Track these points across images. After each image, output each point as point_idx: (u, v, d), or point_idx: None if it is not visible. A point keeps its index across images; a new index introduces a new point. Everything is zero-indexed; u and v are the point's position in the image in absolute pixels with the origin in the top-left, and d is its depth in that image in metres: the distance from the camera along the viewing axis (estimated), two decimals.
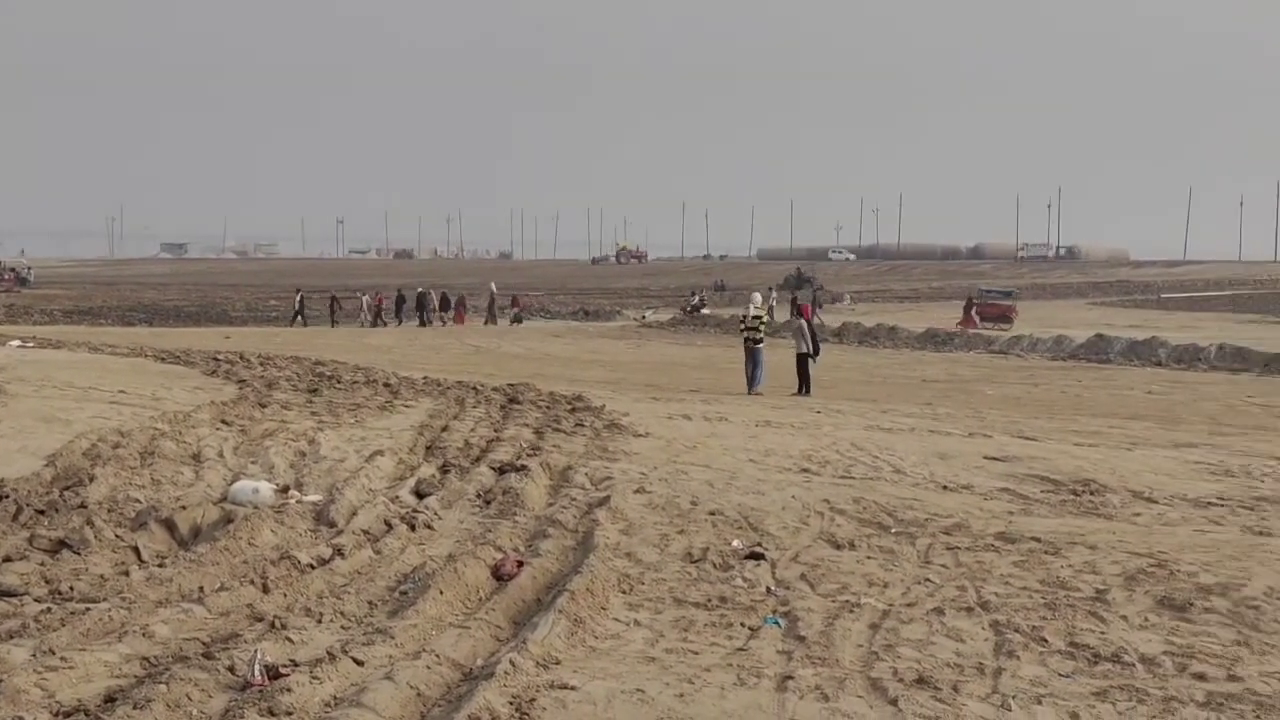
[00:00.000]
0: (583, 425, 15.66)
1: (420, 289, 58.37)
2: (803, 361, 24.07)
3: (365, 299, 57.50)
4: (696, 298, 63.57)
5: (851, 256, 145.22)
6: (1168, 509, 11.88)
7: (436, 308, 56.16)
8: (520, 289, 76.04)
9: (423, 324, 54.13)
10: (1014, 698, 6.29)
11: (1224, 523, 11.24)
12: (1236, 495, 12.72)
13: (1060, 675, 6.70)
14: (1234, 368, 34.31)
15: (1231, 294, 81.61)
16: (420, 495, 11.18)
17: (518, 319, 56.93)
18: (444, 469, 12.48)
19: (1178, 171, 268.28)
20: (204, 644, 6.83)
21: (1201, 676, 6.71)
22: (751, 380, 24.01)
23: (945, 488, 12.60)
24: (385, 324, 54.50)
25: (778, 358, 25.21)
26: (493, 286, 61.81)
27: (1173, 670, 6.81)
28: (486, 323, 55.89)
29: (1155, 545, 9.89)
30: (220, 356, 27.42)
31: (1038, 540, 9.94)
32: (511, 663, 6.38)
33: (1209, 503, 12.25)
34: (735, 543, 9.61)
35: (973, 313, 51.65)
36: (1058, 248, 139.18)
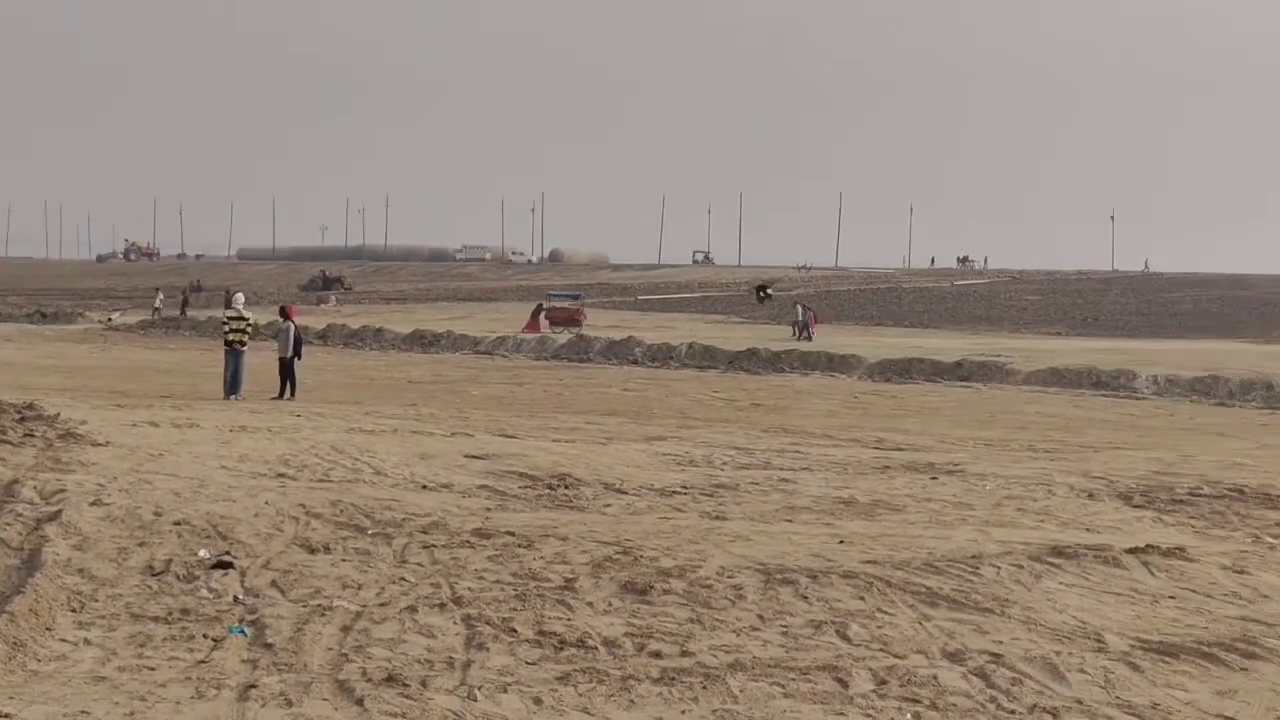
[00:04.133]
0: (33, 435, 14.47)
1: None
2: (287, 365, 23.50)
3: None
4: None
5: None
6: (636, 499, 12.44)
7: None
8: None
9: None
10: (480, 688, 6.33)
11: (685, 509, 11.90)
12: (698, 483, 13.51)
13: (527, 663, 6.82)
14: (702, 365, 36.69)
15: (701, 296, 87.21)
16: None
17: None
18: None
19: (653, 180, 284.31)
20: None
21: (658, 654, 7.02)
22: (231, 384, 23.13)
23: (425, 487, 12.61)
24: None
25: (259, 360, 24.41)
26: None
27: (632, 650, 7.09)
28: None
29: (622, 534, 10.30)
30: None
31: (513, 534, 10.11)
32: None
33: (673, 491, 12.93)
34: (202, 552, 9.16)
35: (541, 317, 51.20)
36: (541, 252, 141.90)
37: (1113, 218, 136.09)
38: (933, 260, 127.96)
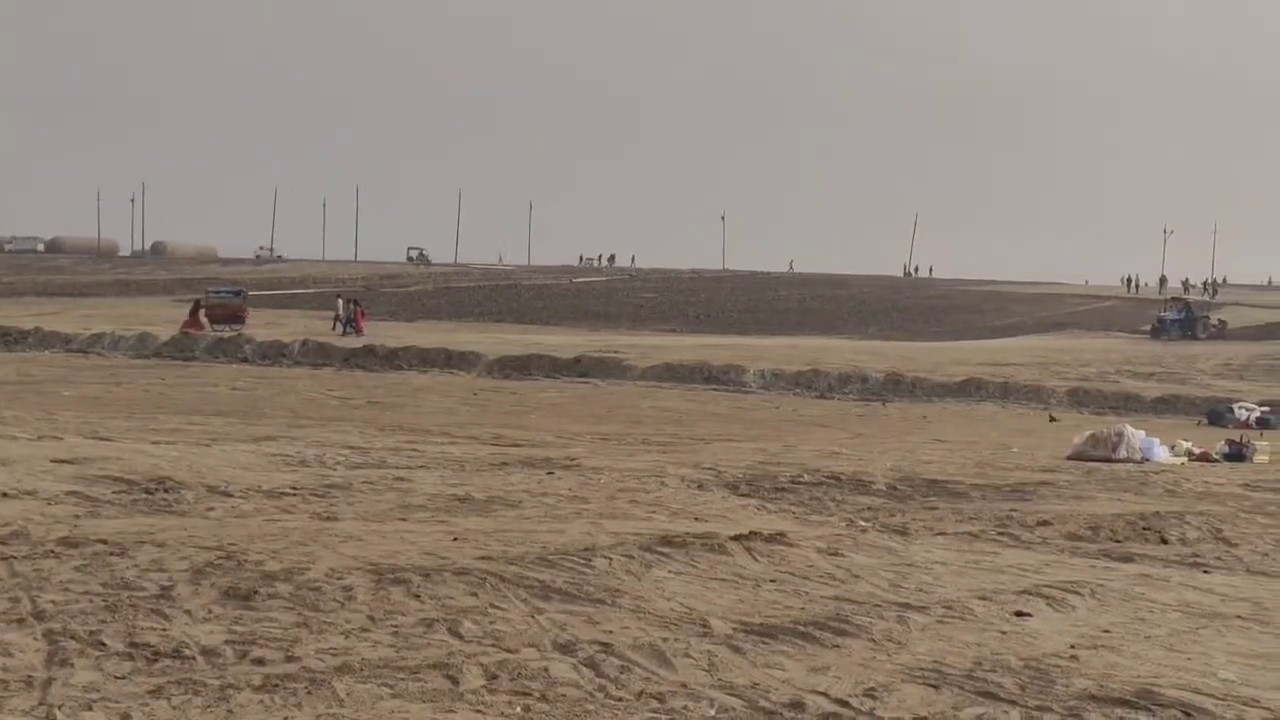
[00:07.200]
0: None
1: None
2: None
3: None
4: None
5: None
6: (242, 501, 11.94)
7: None
8: None
9: None
10: (61, 707, 5.86)
11: (295, 511, 11.50)
12: (310, 484, 13.11)
13: (116, 677, 6.36)
14: (317, 363, 35.91)
15: (315, 291, 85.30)
16: None
17: None
18: None
19: (266, 173, 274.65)
20: None
21: (261, 661, 6.70)
22: None
23: (4, 495, 11.65)
24: None
25: None
26: None
27: (233, 658, 6.73)
28: None
29: (226, 538, 9.82)
30: None
31: (104, 542, 9.45)
32: None
33: (282, 493, 12.49)
34: None
35: (201, 315, 48.19)
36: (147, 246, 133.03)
37: (723, 218, 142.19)
38: (581, 258, 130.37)
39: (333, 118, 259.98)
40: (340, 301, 51.40)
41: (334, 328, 48.08)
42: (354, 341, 41.47)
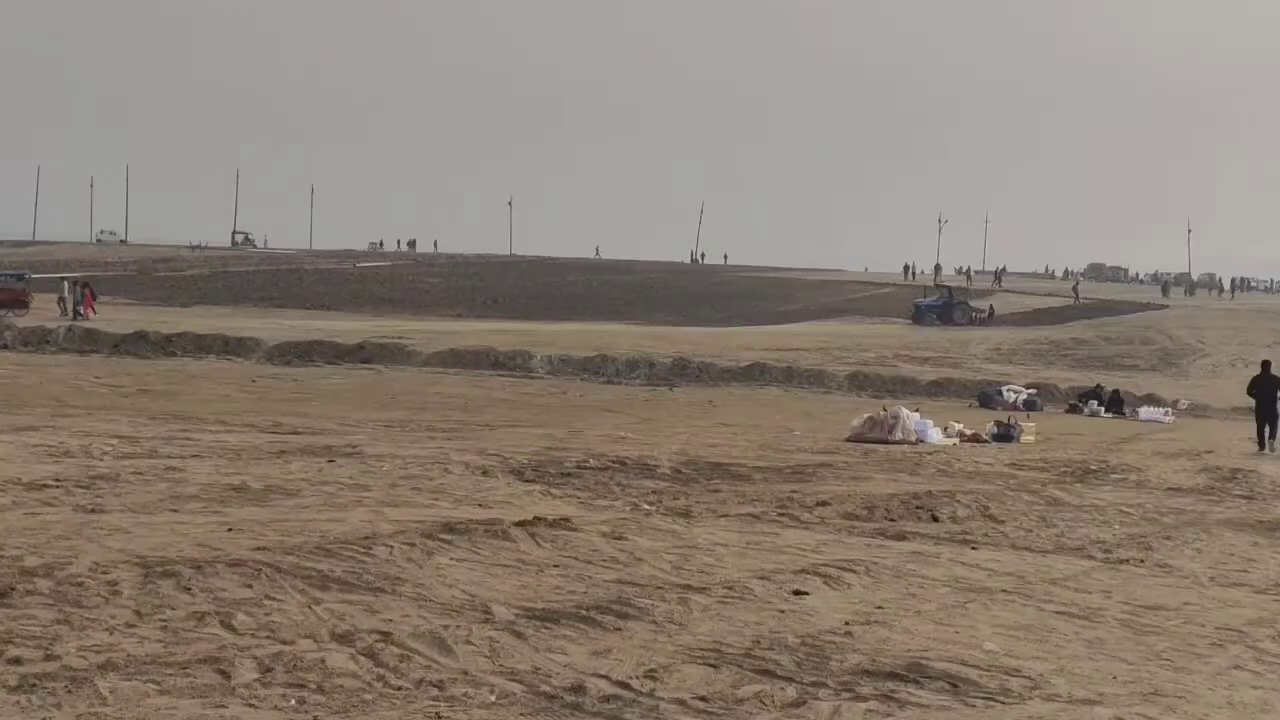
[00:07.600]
0: None
1: None
2: None
3: None
4: None
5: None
6: (1, 495, 11.35)
7: None
8: None
9: None
10: None
11: (58, 504, 10.98)
12: (74, 475, 12.54)
13: None
14: (84, 349, 34.49)
15: (84, 275, 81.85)
16: None
17: None
18: None
19: (26, 152, 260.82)
20: None
21: (17, 660, 6.36)
22: None
23: None
24: None
25: None
26: None
27: None
28: None
29: None
30: None
31: None
32: None
33: (44, 485, 11.91)
34: None
35: None
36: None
37: (510, 204, 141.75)
38: (382, 243, 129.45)
39: (101, 96, 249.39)
40: (66, 284, 49.43)
41: (62, 312, 46.03)
42: (125, 328, 39.88)
